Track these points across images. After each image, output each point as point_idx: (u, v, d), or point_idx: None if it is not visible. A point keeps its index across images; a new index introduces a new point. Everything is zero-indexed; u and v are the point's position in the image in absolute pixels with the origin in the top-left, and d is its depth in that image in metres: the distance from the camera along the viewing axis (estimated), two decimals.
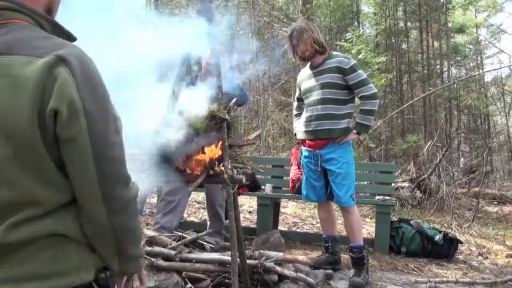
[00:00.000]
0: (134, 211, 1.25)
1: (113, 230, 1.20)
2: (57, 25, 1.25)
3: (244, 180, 2.94)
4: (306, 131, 4.15)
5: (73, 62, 1.10)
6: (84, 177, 1.14)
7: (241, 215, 6.77)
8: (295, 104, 4.52)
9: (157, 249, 3.85)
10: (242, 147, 3.25)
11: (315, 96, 4.08)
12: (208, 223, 4.79)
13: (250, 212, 6.86)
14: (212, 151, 3.02)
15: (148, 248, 3.85)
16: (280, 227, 6.00)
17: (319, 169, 4.10)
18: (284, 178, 5.68)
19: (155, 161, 2.93)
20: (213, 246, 3.94)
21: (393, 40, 11.40)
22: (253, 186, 5.66)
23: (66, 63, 1.09)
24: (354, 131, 4.02)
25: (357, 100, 4.14)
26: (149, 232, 4.22)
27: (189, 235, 4.12)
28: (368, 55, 8.51)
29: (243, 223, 6.35)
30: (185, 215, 6.32)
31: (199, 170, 2.94)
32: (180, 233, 4.11)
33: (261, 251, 3.86)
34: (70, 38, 1.27)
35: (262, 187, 5.67)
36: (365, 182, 5.85)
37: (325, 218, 4.30)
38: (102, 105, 1.15)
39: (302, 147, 4.32)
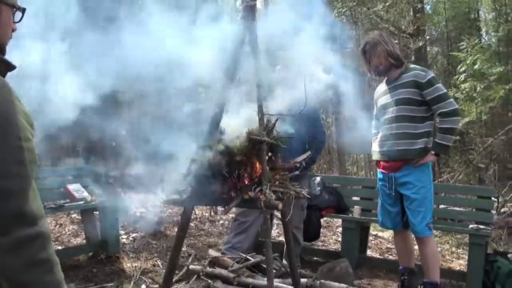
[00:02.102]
0: (31, 257, 1.14)
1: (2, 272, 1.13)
2: None
3: (280, 206, 2.74)
4: (380, 152, 3.81)
5: None
6: None
7: (333, 237, 6.47)
8: (373, 122, 4.17)
9: (217, 270, 3.80)
10: (287, 170, 3.04)
11: (390, 113, 3.73)
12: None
13: None
14: (250, 174, 2.88)
15: (209, 269, 3.82)
16: (371, 253, 5.58)
17: (394, 194, 3.71)
18: (375, 200, 5.28)
19: (193, 181, 2.88)
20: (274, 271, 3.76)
21: None
22: (339, 208, 5.38)
23: None
24: (432, 152, 3.58)
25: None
26: (213, 253, 4.19)
27: (254, 258, 4.01)
28: (484, 65, 7.59)
29: (333, 246, 6.04)
30: (274, 233, 6.20)
31: (234, 193, 2.81)
32: (244, 255, 4.02)
33: (323, 281, 3.59)
34: (9, 66, 1.32)
35: (351, 209, 5.35)
36: (460, 208, 5.18)
37: (402, 248, 3.87)
38: None
39: (377, 169, 3.95)
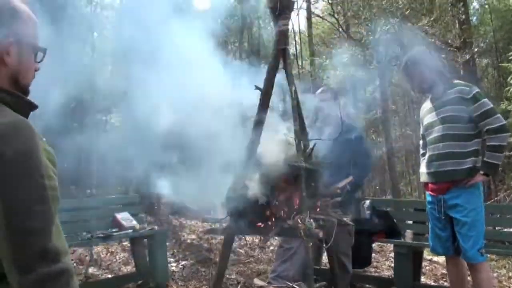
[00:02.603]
0: None
1: None
2: (16, 95, 1.31)
3: (320, 234, 2.66)
4: (428, 173, 3.66)
5: None
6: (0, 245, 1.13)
7: (386, 263, 6.23)
8: (420, 142, 4.02)
9: None
10: (327, 196, 2.97)
11: (436, 132, 3.58)
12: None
13: None
14: (289, 202, 2.83)
15: None
16: (426, 279, 5.32)
17: (443, 217, 3.53)
18: (428, 223, 5.03)
19: (232, 210, 2.87)
20: None
21: None
22: (390, 232, 5.18)
23: None
24: (481, 172, 3.39)
25: None
26: (259, 282, 4.12)
27: (301, 287, 3.91)
28: None
29: (386, 272, 5.81)
30: (325, 260, 6.04)
31: (273, 222, 2.76)
32: (290, 284, 3.92)
33: None
34: (32, 106, 1.36)
35: (403, 233, 5.15)
36: None
37: (454, 275, 3.65)
38: (20, 171, 1.15)
39: (426, 191, 3.79)
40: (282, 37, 2.96)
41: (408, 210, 5.53)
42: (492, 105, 3.40)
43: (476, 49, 8.33)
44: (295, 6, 3.07)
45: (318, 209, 2.88)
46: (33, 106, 1.36)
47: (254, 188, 2.79)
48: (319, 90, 4.74)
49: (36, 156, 1.18)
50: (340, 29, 11.99)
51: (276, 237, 4.31)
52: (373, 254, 6.44)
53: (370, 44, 8.86)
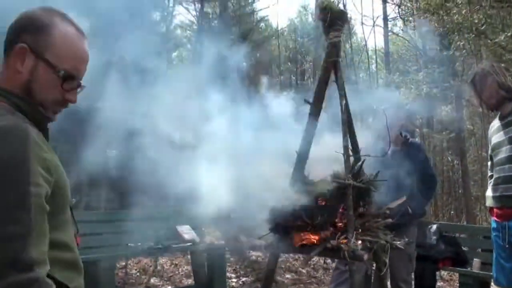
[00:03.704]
0: None
1: None
2: (31, 104, 1.32)
3: (365, 257, 2.56)
4: (493, 197, 3.41)
5: None
6: None
7: None
8: (488, 163, 3.77)
9: None
10: (379, 217, 2.85)
11: (503, 153, 3.34)
12: None
13: None
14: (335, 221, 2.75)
15: None
16: None
17: (508, 246, 3.27)
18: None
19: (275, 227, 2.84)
20: None
21: None
22: (457, 259, 4.88)
23: None
24: None
25: None
26: None
27: None
28: None
29: None
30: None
31: (316, 240, 2.69)
32: None
33: None
34: (43, 115, 1.37)
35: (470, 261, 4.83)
36: None
37: None
38: (3, 175, 1.13)
39: (491, 217, 3.53)
40: (333, 49, 2.92)
41: (478, 237, 5.18)
42: None
43: None
44: (348, 19, 3.03)
45: (366, 230, 2.77)
46: (46, 117, 1.36)
47: (299, 205, 2.74)
48: (382, 108, 4.61)
49: (24, 161, 1.15)
50: (415, 46, 11.64)
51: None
52: (441, 283, 6.10)
53: (444, 60, 8.50)
